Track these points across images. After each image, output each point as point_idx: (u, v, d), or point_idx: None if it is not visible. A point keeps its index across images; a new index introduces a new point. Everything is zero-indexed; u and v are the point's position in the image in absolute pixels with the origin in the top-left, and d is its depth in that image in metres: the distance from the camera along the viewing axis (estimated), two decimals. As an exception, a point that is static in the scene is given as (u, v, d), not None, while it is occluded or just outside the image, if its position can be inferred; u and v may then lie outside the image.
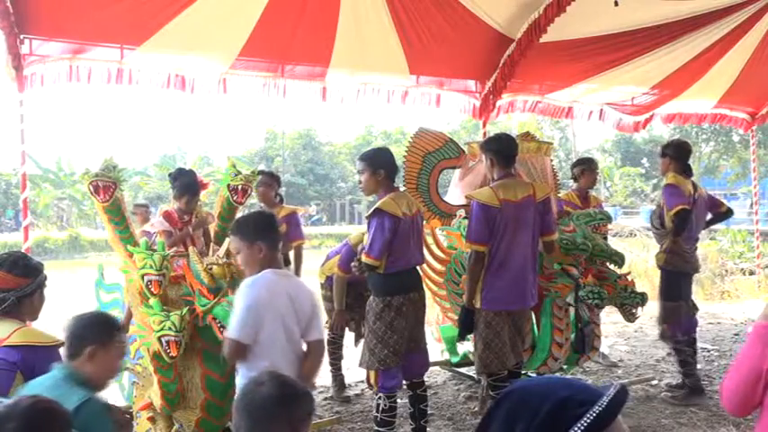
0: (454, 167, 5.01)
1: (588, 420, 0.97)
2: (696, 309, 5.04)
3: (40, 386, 2.09)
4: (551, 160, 5.34)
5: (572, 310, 4.38)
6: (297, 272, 5.12)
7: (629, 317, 4.46)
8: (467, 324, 3.91)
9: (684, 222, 4.73)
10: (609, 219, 4.71)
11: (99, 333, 2.19)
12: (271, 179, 5.27)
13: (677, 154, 4.93)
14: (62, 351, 2.27)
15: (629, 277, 4.58)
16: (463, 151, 4.92)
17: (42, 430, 1.58)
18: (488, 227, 3.73)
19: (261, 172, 5.36)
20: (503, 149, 3.90)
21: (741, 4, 6.62)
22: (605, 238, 5.49)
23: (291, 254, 5.21)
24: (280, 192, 5.41)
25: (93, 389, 2.15)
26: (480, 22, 6.34)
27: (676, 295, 4.86)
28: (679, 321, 4.86)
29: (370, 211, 3.65)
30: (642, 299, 4.36)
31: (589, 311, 4.37)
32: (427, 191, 4.74)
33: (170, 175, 4.57)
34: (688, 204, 4.74)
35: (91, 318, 2.27)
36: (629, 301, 4.34)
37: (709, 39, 7.19)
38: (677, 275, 4.87)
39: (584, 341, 4.34)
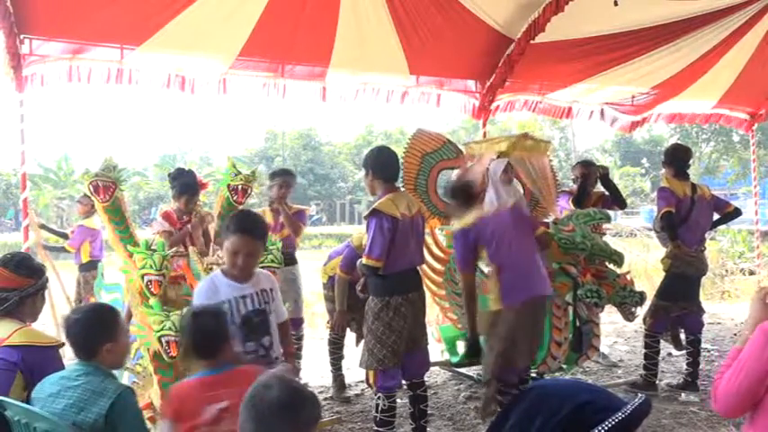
0: (453, 168, 5.02)
1: (610, 425, 0.97)
2: (702, 311, 5.06)
3: (69, 378, 2.16)
4: (550, 160, 5.33)
5: (571, 310, 4.38)
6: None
7: (628, 316, 4.47)
8: (473, 351, 3.90)
9: (670, 225, 4.78)
10: (608, 218, 4.72)
11: (110, 330, 2.24)
12: (292, 179, 5.30)
13: (670, 158, 5.05)
14: (67, 351, 2.32)
15: (628, 276, 4.59)
16: (461, 152, 4.93)
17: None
18: (473, 253, 3.83)
19: (284, 171, 5.38)
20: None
21: (741, 5, 6.61)
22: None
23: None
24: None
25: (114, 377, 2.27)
26: (480, 22, 6.34)
27: (670, 296, 4.90)
28: (664, 320, 4.91)
29: (367, 212, 3.65)
30: (641, 298, 4.38)
31: (588, 310, 4.38)
32: (426, 191, 4.75)
33: (169, 174, 4.57)
34: (675, 207, 4.80)
35: (95, 316, 2.27)
36: (627, 300, 4.35)
37: (709, 40, 7.19)
38: (677, 278, 4.89)
39: (582, 340, 4.34)
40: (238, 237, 2.64)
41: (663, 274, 5.07)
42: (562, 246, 4.23)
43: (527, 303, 3.72)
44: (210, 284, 2.75)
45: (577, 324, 4.35)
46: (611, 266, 4.49)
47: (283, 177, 5.17)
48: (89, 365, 2.18)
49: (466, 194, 4.03)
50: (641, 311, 4.84)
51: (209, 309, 2.46)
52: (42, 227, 6.75)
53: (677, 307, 4.90)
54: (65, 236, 6.93)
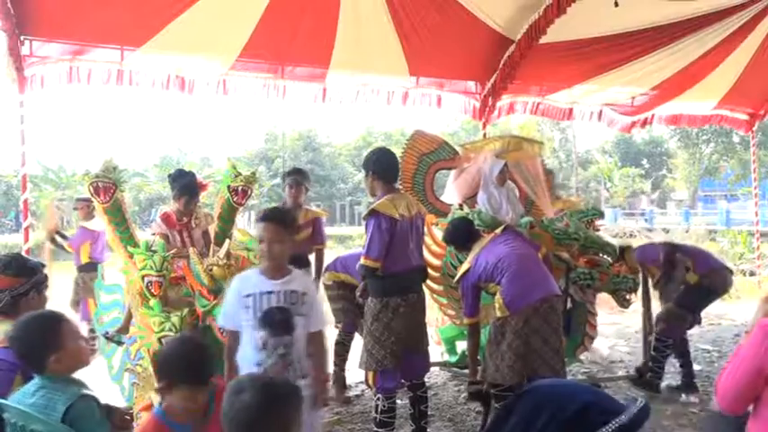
0: (450, 168, 5.14)
1: (614, 428, 0.98)
2: (699, 322, 5.05)
3: (26, 395, 2.07)
4: (543, 162, 5.37)
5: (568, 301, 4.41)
6: (318, 274, 5.17)
7: (623, 302, 4.52)
8: (476, 397, 3.97)
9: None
10: (601, 214, 4.83)
11: (51, 339, 2.07)
12: (304, 179, 5.18)
13: None
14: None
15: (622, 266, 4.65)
16: (458, 153, 5.07)
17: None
18: (477, 293, 3.88)
19: (295, 170, 5.29)
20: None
21: (741, 6, 6.62)
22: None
23: (312, 256, 5.25)
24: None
25: (79, 383, 2.13)
26: (480, 23, 6.34)
27: (691, 306, 4.85)
28: (677, 327, 4.87)
29: (365, 213, 3.64)
30: (634, 283, 4.44)
31: (581, 293, 4.43)
32: (423, 190, 4.89)
33: (170, 176, 4.57)
34: None
35: (32, 328, 2.09)
36: (621, 286, 4.41)
37: (710, 41, 7.19)
38: (706, 291, 4.82)
39: (569, 324, 4.33)
40: (262, 224, 2.71)
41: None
42: (556, 237, 4.29)
43: (535, 306, 3.62)
44: (245, 276, 2.83)
45: (569, 308, 4.38)
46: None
47: (293, 177, 5.09)
48: (42, 379, 2.08)
49: (461, 236, 4.12)
50: (633, 297, 4.83)
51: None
52: (58, 233, 6.72)
53: (692, 317, 4.88)
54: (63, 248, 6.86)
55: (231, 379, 2.64)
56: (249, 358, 2.70)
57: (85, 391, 2.09)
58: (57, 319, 2.16)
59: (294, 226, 2.93)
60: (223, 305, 2.82)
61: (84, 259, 6.63)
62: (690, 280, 4.80)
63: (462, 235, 4.11)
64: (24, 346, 2.08)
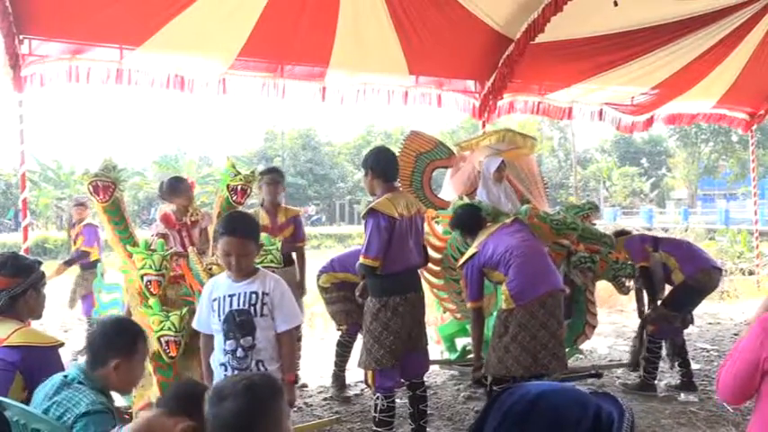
0: (446, 167, 5.29)
1: (627, 426, 1.03)
2: (691, 322, 5.05)
3: (52, 385, 2.11)
4: (536, 158, 5.44)
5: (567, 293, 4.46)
6: (302, 272, 5.15)
7: (623, 289, 4.61)
8: (479, 384, 4.09)
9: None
10: (597, 208, 4.92)
11: (123, 345, 2.18)
12: (281, 177, 5.22)
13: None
14: (66, 351, 2.27)
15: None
16: (453, 153, 5.22)
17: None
18: (481, 277, 3.94)
19: (272, 169, 5.33)
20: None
21: (741, 5, 6.62)
22: None
23: (294, 255, 5.21)
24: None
25: (109, 397, 2.16)
26: (479, 23, 6.34)
27: (680, 306, 4.84)
28: (667, 329, 4.87)
29: (364, 212, 3.64)
30: (632, 269, 4.51)
31: (582, 276, 4.47)
32: (421, 188, 5.04)
33: None
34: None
35: (114, 328, 2.23)
36: (620, 273, 4.49)
37: (709, 40, 7.19)
38: (693, 290, 4.80)
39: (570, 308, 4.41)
40: (228, 238, 2.67)
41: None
42: (554, 227, 4.35)
43: (541, 300, 3.69)
44: (210, 282, 2.85)
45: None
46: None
47: (270, 176, 5.10)
48: (80, 371, 2.16)
49: (469, 221, 4.18)
50: (631, 283, 4.84)
51: None
52: (67, 263, 6.62)
53: (681, 316, 4.88)
54: (85, 254, 6.72)
55: (208, 381, 2.74)
56: (216, 360, 2.76)
57: (109, 410, 2.11)
58: (138, 334, 2.26)
59: (259, 232, 2.87)
60: (197, 310, 2.88)
61: (94, 257, 6.54)
62: (675, 280, 4.77)
63: (470, 220, 4.17)
64: (100, 338, 2.18)
